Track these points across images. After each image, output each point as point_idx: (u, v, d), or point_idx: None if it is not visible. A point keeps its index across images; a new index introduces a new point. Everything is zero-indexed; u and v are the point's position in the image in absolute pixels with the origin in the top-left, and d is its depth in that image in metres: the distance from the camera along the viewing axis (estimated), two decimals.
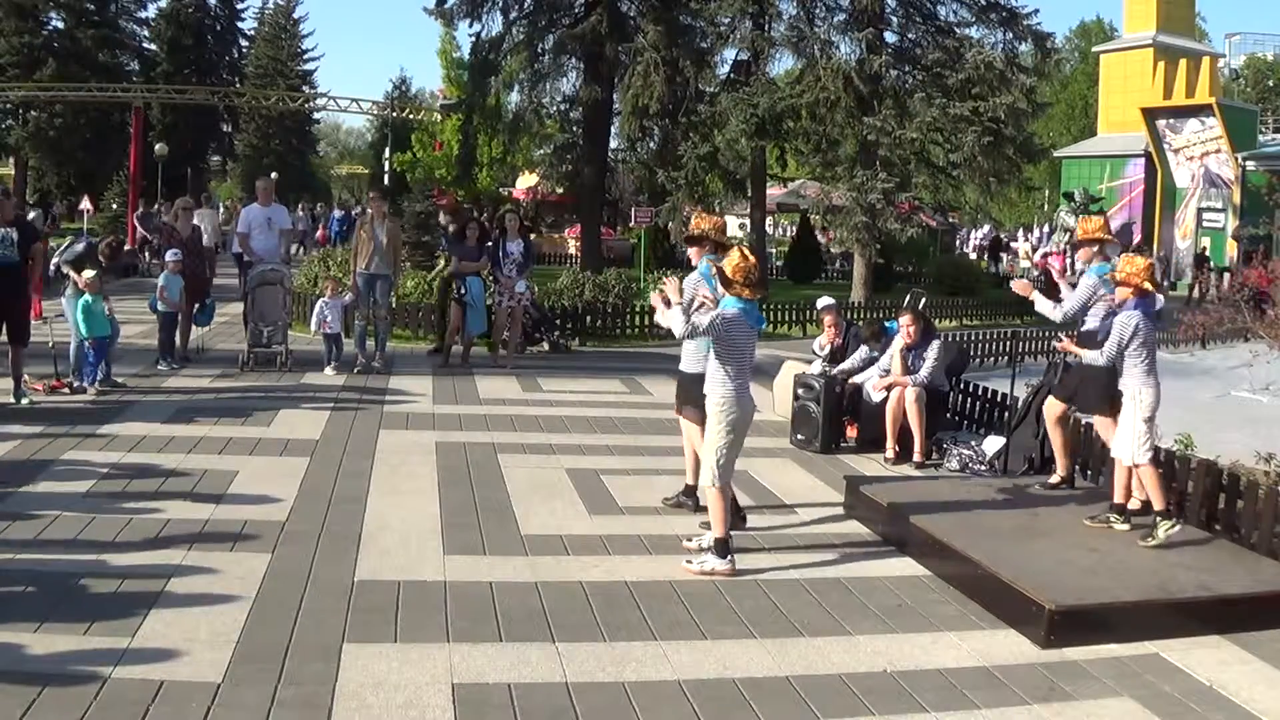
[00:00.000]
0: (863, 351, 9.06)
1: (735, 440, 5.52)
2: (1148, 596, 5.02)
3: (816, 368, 9.18)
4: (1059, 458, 7.19)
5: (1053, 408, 7.16)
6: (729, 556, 5.44)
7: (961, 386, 9.57)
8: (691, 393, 6.05)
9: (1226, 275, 30.31)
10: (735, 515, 5.97)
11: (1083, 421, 7.74)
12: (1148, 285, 6.11)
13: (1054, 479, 7.17)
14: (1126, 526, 6.05)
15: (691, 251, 6.51)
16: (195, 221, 12.27)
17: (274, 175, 52.60)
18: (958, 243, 39.54)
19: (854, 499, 6.76)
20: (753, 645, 4.59)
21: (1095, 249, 7.00)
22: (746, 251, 5.57)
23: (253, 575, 5.05)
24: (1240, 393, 12.51)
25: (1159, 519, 5.82)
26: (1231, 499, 6.09)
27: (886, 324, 9.22)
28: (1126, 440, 6.03)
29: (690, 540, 5.81)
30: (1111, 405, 6.47)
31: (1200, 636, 4.87)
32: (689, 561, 5.47)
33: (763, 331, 17.70)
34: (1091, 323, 6.86)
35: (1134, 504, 6.32)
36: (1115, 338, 6.08)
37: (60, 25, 47.10)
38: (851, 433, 8.75)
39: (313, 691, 3.91)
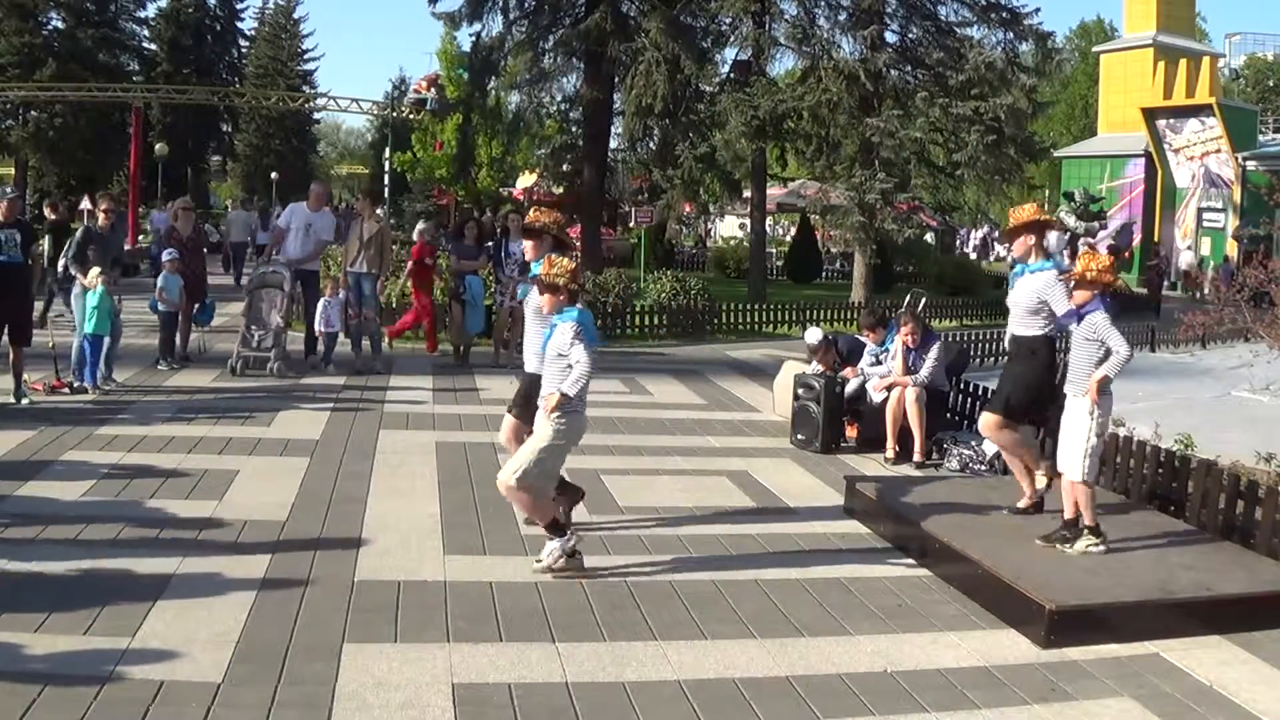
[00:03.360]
0: (866, 359, 9.04)
1: (563, 456, 5.35)
2: (1148, 596, 5.02)
3: (816, 368, 9.18)
4: (1028, 479, 6.36)
5: (995, 422, 6.30)
6: (566, 533, 5.30)
7: (961, 386, 9.56)
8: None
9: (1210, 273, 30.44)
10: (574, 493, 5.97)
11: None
12: (1116, 282, 5.75)
13: (1023, 504, 6.33)
14: (1097, 544, 5.58)
15: (527, 246, 5.96)
16: (195, 221, 12.22)
17: (274, 175, 52.73)
18: (958, 243, 39.54)
19: (854, 499, 6.76)
20: (753, 645, 4.59)
21: (1032, 240, 6.05)
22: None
23: (253, 575, 5.05)
24: (1240, 393, 12.52)
25: (1087, 531, 5.53)
26: (1232, 499, 6.08)
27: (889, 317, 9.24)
28: (1076, 455, 5.52)
29: (538, 561, 5.37)
30: (1043, 408, 6.21)
31: (1200, 636, 4.86)
32: (538, 561, 5.30)
33: (763, 331, 17.67)
34: (1033, 327, 6.10)
35: (1024, 502, 6.24)
36: (1115, 331, 5.49)
37: (60, 25, 47.06)
38: (851, 433, 8.76)
39: (313, 691, 3.91)
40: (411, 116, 31.64)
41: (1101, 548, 5.53)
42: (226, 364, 10.77)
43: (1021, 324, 6.19)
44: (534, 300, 5.59)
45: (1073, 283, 5.72)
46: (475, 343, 12.37)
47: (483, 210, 31.41)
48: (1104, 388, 5.51)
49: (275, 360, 10.68)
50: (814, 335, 9.54)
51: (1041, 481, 6.35)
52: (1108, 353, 5.52)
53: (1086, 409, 5.52)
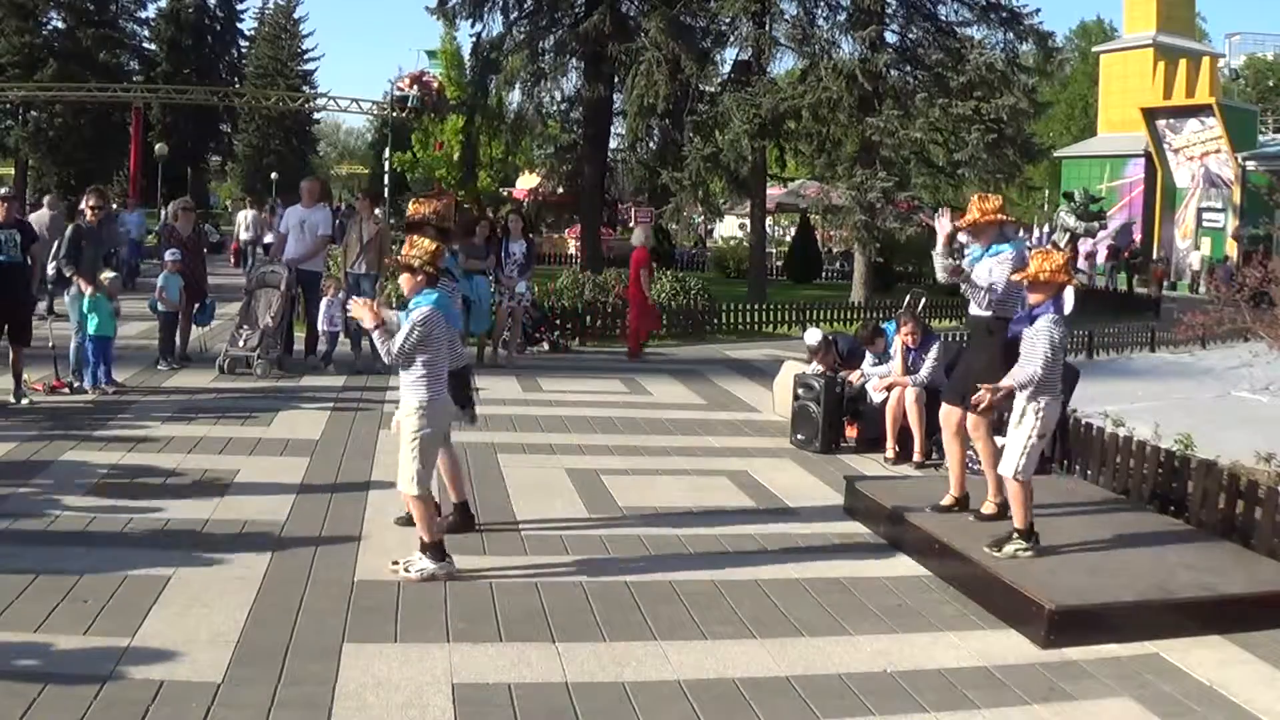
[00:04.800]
0: (867, 360, 9.03)
1: (435, 445, 5.24)
2: (1148, 596, 5.02)
3: (816, 368, 9.18)
4: (956, 479, 6.25)
5: (952, 415, 6.25)
6: (446, 558, 5.14)
7: None
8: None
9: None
10: (466, 517, 5.87)
11: (1082, 421, 7.75)
12: (1070, 281, 5.52)
13: (946, 500, 6.21)
14: (1026, 548, 5.40)
15: (410, 240, 5.71)
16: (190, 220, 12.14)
17: (274, 175, 52.69)
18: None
19: (854, 499, 6.76)
20: (753, 645, 4.59)
21: (995, 231, 6.00)
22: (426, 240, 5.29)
23: (253, 575, 5.05)
24: (1240, 393, 12.51)
25: (1016, 535, 5.39)
26: (1232, 499, 6.08)
27: (883, 325, 9.22)
28: (1013, 451, 5.37)
29: (397, 567, 5.21)
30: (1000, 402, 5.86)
31: (1200, 636, 4.86)
32: (405, 569, 5.14)
33: (763, 331, 17.67)
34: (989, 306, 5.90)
35: (989, 509, 5.96)
36: (1045, 347, 5.28)
37: (60, 25, 47.14)
38: (851, 433, 8.75)
39: (313, 691, 3.91)
40: (398, 114, 31.38)
41: (1031, 552, 5.34)
42: (215, 362, 10.80)
43: (978, 304, 6.02)
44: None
45: (1026, 284, 5.49)
46: (469, 342, 12.34)
47: (484, 210, 31.42)
48: (1024, 392, 5.35)
49: (259, 360, 10.61)
50: (814, 336, 9.53)
51: (990, 507, 6.01)
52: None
53: (1034, 410, 5.37)
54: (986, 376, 5.84)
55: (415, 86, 30.10)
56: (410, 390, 5.14)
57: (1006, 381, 5.44)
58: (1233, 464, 6.84)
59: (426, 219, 5.78)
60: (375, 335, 5.03)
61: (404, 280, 5.21)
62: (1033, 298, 5.45)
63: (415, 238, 5.40)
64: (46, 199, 16.65)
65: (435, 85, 30.42)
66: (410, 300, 5.16)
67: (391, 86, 31.89)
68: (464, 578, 5.17)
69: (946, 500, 6.23)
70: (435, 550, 5.16)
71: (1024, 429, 5.41)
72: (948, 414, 6.32)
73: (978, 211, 5.99)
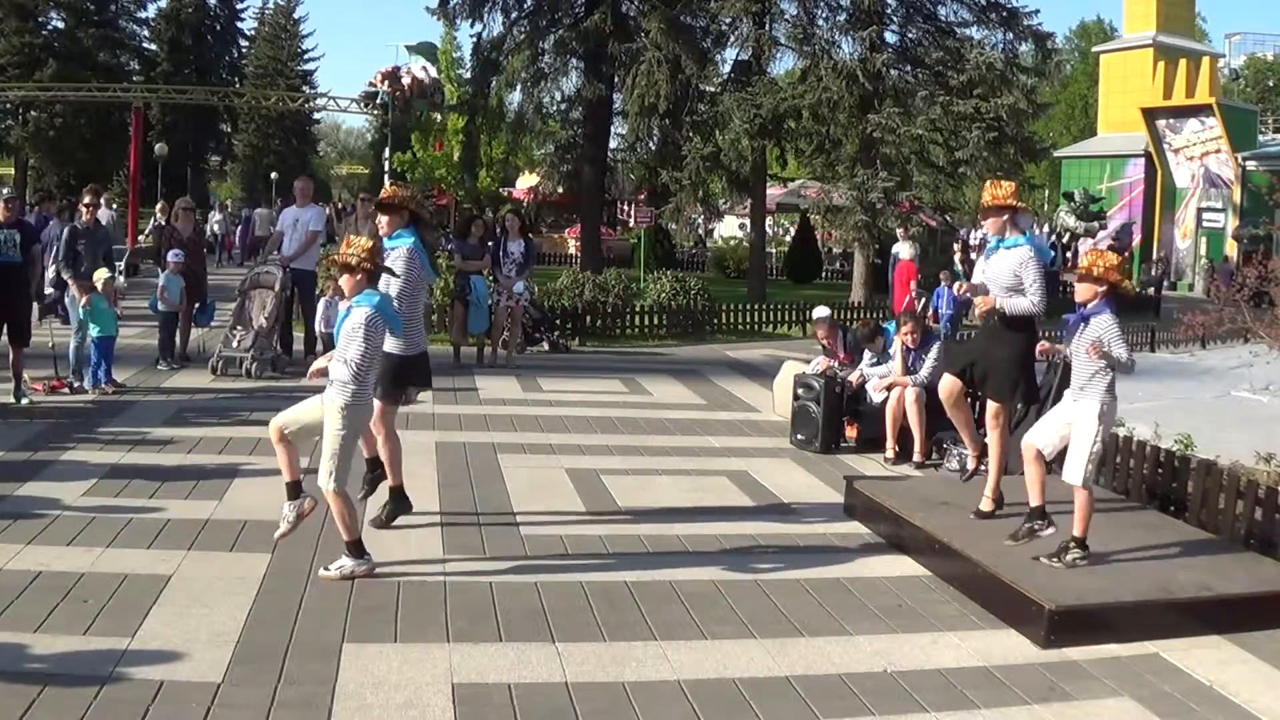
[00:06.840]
0: (866, 359, 9.03)
1: (353, 444, 5.26)
2: (1148, 596, 5.02)
3: (816, 368, 9.18)
4: (969, 440, 6.53)
5: (950, 386, 6.33)
6: (365, 555, 5.17)
7: None
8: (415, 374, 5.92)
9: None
10: (403, 502, 5.90)
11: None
12: (1124, 283, 5.52)
13: (971, 465, 6.54)
14: (1052, 529, 5.55)
15: (383, 221, 5.91)
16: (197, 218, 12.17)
17: (273, 175, 52.68)
18: (956, 244, 39.47)
19: (854, 499, 6.76)
20: (753, 645, 4.59)
21: (1005, 218, 5.97)
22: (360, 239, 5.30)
23: (253, 575, 5.05)
24: (1240, 393, 12.49)
25: (1073, 544, 5.33)
26: (1232, 499, 6.08)
27: (883, 325, 9.23)
28: (1080, 461, 5.28)
29: (325, 569, 5.18)
30: (1017, 393, 6.02)
31: (1200, 636, 4.86)
32: (326, 568, 5.15)
33: (763, 331, 17.68)
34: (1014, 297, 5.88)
35: (986, 505, 6.03)
36: (1121, 342, 5.24)
37: (60, 25, 47.16)
38: (851, 433, 8.75)
39: (313, 691, 3.91)
40: (373, 112, 31.06)
41: (1086, 561, 5.33)
42: (208, 363, 10.73)
43: (1002, 300, 5.97)
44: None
45: (1076, 278, 5.49)
46: (470, 342, 12.35)
47: (483, 210, 31.42)
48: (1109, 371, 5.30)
49: (250, 361, 10.55)
50: (821, 311, 9.82)
51: (988, 504, 6.09)
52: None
53: (1096, 413, 5.30)
54: (1008, 370, 5.90)
55: (386, 82, 29.70)
56: (336, 390, 5.09)
57: (1117, 350, 5.22)
58: (1233, 464, 6.84)
59: (403, 201, 5.86)
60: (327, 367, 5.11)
61: (344, 280, 5.19)
62: (1083, 292, 5.36)
63: (351, 237, 5.42)
64: (103, 199, 16.74)
65: (408, 80, 29.92)
66: (351, 300, 5.14)
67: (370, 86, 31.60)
68: (458, 577, 5.18)
69: (985, 505, 6.12)
70: (354, 548, 5.16)
71: (1088, 435, 5.28)
72: (949, 385, 6.30)
73: (989, 196, 5.99)
